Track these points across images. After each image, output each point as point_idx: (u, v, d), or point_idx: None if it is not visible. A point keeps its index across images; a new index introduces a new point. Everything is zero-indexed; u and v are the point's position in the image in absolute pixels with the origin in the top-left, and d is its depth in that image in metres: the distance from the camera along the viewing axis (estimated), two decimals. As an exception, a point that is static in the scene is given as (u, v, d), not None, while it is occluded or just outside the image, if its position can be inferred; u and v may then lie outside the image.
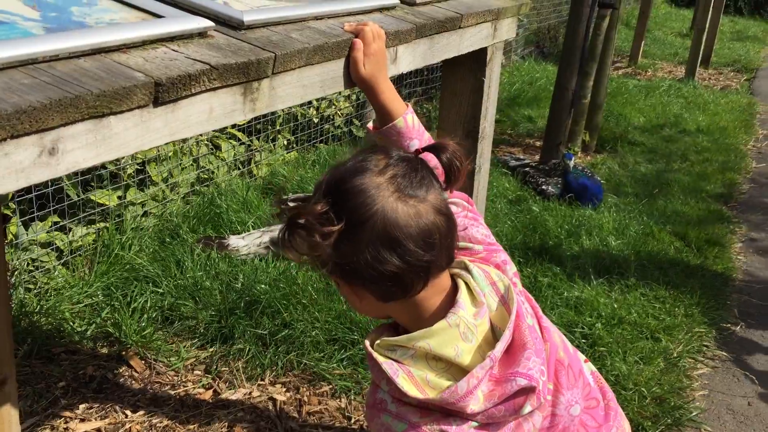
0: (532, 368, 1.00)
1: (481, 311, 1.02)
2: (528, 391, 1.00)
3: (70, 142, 0.76)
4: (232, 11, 1.08)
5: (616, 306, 2.86)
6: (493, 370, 1.00)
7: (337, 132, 4.72)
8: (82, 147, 0.78)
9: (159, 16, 1.00)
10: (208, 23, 1.01)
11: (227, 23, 1.07)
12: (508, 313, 1.03)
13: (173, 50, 0.93)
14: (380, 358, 1.00)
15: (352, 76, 1.24)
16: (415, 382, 0.99)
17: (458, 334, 0.99)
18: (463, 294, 1.03)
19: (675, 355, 2.63)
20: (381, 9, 1.41)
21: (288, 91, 1.08)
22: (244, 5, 1.16)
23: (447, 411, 0.98)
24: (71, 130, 0.76)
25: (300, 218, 0.93)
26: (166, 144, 0.95)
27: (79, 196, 2.89)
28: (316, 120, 4.50)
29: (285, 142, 4.29)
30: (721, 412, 2.42)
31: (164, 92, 0.85)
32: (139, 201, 3.16)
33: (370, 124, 1.30)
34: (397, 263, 0.94)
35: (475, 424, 0.99)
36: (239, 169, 3.90)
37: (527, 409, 1.00)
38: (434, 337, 0.99)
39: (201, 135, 3.48)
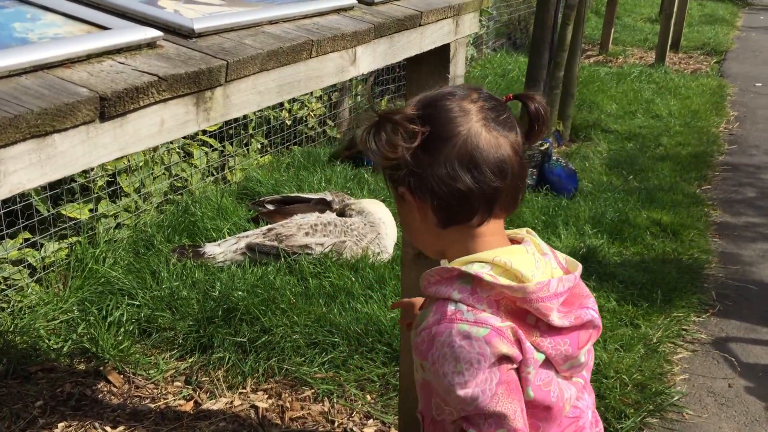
0: (596, 311, 1.05)
1: (547, 257, 1.06)
2: (593, 326, 1.04)
3: (12, 164, 0.74)
4: (182, 19, 1.06)
5: (595, 294, 2.86)
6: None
7: (311, 133, 4.70)
8: (26, 167, 0.76)
9: (106, 29, 0.98)
10: (157, 33, 0.99)
11: (177, 32, 1.05)
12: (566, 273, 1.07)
13: (120, 63, 0.91)
14: (459, 265, 1.00)
15: None
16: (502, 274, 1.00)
17: (533, 261, 1.02)
18: (532, 239, 1.07)
19: (655, 340, 2.64)
20: (338, 10, 1.39)
21: (243, 99, 1.07)
22: (196, 12, 1.14)
23: (525, 324, 0.99)
24: (12, 151, 0.74)
25: (391, 115, 0.98)
26: (125, 156, 0.93)
27: (49, 211, 2.85)
28: (289, 122, 4.48)
29: (259, 146, 4.26)
30: (702, 395, 2.44)
31: (110, 107, 0.83)
32: (111, 213, 3.13)
33: None
34: (469, 183, 0.98)
35: (542, 357, 1.00)
36: (213, 175, 3.87)
37: (582, 358, 1.03)
38: (514, 255, 1.01)
39: (172, 143, 3.45)
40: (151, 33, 0.98)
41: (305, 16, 1.30)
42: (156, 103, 0.90)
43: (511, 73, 6.69)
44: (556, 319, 1.00)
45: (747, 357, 2.66)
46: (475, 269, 0.98)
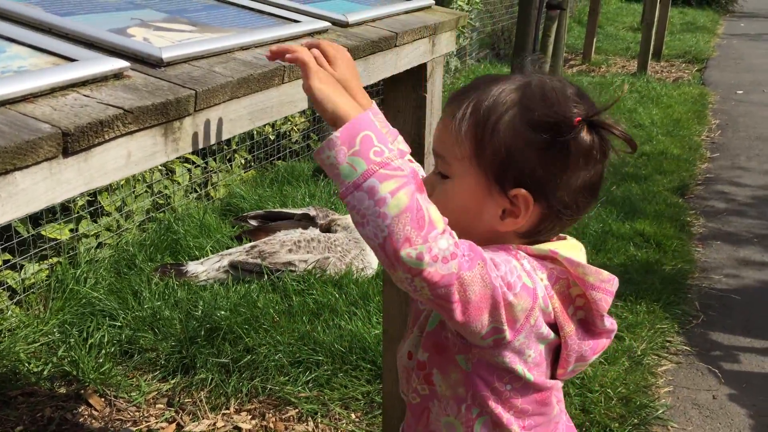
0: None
1: None
2: (610, 336, 1.02)
3: (-30, 204, 0.73)
4: (150, 48, 1.05)
5: (578, 307, 2.87)
6: None
7: (295, 147, 4.69)
8: (-14, 207, 0.74)
9: (72, 60, 0.97)
10: (124, 63, 0.98)
11: (146, 61, 1.04)
12: None
13: (85, 95, 0.90)
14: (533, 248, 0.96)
15: (314, 81, 1.16)
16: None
17: (585, 260, 1.01)
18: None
19: (639, 353, 2.65)
20: (312, 33, 1.39)
21: (213, 128, 1.06)
22: (166, 40, 1.13)
23: (565, 313, 0.96)
24: (-29, 191, 0.73)
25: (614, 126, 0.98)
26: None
27: (29, 232, 2.82)
28: (272, 137, 4.47)
29: (242, 161, 4.25)
30: (686, 407, 2.44)
31: (74, 142, 0.82)
32: (92, 233, 3.10)
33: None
34: (585, 205, 1.00)
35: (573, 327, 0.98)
36: (196, 192, 3.85)
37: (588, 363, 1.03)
38: (574, 250, 1.00)
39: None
40: (118, 64, 0.97)
41: (278, 41, 1.30)
42: (122, 135, 0.89)
43: (495, 83, 6.72)
44: (607, 320, 0.99)
45: (731, 367, 2.67)
46: (533, 248, 0.96)
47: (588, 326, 0.99)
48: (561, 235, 1.05)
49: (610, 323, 1.00)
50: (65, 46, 1.00)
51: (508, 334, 0.91)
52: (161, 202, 3.59)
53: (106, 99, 0.90)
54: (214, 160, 3.99)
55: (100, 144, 0.86)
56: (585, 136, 0.93)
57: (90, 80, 0.93)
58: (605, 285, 0.95)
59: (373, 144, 0.86)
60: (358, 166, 0.85)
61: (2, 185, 0.76)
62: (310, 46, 1.11)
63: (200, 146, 1.04)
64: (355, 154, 0.86)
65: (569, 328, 0.96)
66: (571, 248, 1.00)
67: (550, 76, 1.00)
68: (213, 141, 1.06)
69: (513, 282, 0.90)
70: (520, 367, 0.97)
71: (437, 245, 0.83)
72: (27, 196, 0.79)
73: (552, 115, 0.92)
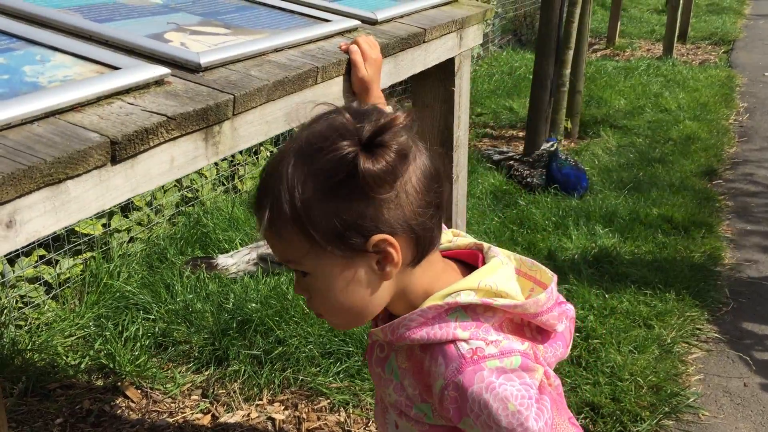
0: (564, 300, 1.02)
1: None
2: (571, 319, 1.01)
3: (27, 213, 0.76)
4: (188, 54, 1.08)
5: (607, 296, 2.87)
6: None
7: (320, 139, 4.71)
8: (41, 215, 0.77)
9: (115, 68, 1.00)
10: (165, 70, 1.00)
11: (185, 67, 1.06)
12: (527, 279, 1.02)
13: (129, 103, 0.92)
14: (440, 300, 0.91)
15: (352, 79, 1.30)
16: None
17: (512, 271, 0.97)
18: (492, 249, 1.00)
19: (669, 341, 2.64)
20: (342, 33, 1.41)
21: (251, 130, 1.08)
22: (202, 44, 1.16)
23: (526, 339, 0.94)
24: (27, 201, 0.76)
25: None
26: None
27: (63, 228, 2.88)
28: (297, 129, 4.49)
29: (268, 154, 4.28)
30: (717, 395, 2.44)
31: (121, 150, 0.84)
32: (124, 227, 3.15)
33: None
34: (436, 200, 0.90)
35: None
36: (224, 185, 3.89)
37: (561, 352, 1.01)
38: (494, 273, 0.94)
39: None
40: (159, 71, 1.00)
41: (310, 41, 1.32)
42: (165, 142, 0.92)
43: (518, 70, 6.68)
44: (560, 326, 0.98)
45: (762, 355, 2.66)
46: (465, 299, 0.91)
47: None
48: (478, 244, 1.02)
49: (567, 319, 1.00)
50: (107, 54, 1.03)
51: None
52: (190, 195, 3.64)
53: (149, 106, 0.93)
54: (240, 153, 4.03)
55: (145, 151, 0.89)
56: (366, 163, 0.83)
57: (133, 88, 0.96)
58: (547, 304, 0.94)
59: None
60: None
61: (56, 194, 0.79)
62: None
63: (239, 149, 1.07)
64: None
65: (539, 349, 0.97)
66: (491, 271, 0.95)
67: (321, 118, 0.91)
68: (251, 143, 1.09)
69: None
70: None
71: None
72: (79, 203, 0.82)
73: (331, 165, 0.84)
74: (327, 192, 0.85)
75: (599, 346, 2.56)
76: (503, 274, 0.95)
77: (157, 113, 0.91)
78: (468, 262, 1.02)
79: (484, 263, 0.98)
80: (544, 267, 1.02)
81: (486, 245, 1.02)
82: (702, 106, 5.74)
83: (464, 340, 0.89)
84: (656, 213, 3.67)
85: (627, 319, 2.74)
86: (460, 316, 0.90)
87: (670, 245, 3.37)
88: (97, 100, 0.91)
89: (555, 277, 1.00)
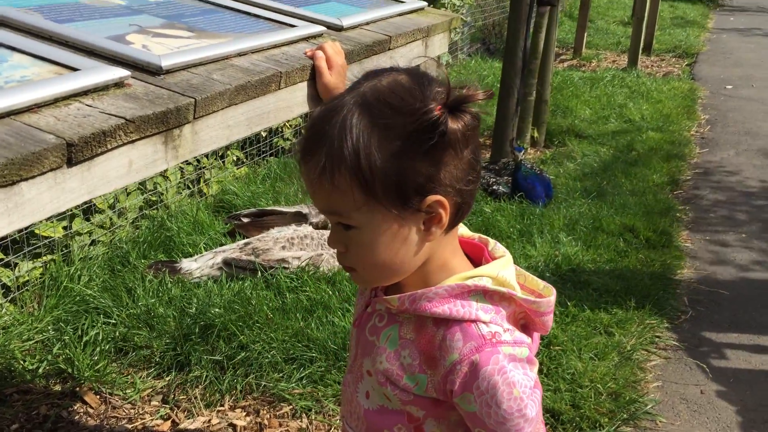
0: None
1: None
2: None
3: (-22, 215, 0.75)
4: (150, 56, 1.07)
5: (569, 303, 2.91)
6: None
7: (287, 144, 4.70)
8: (-7, 217, 0.76)
9: (74, 69, 0.99)
10: (124, 72, 1.00)
11: (146, 69, 1.06)
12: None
13: (87, 105, 0.92)
14: (462, 281, 0.94)
15: (317, 85, 1.29)
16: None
17: (514, 271, 1.01)
18: (498, 245, 1.04)
19: (628, 348, 2.68)
20: (307, 38, 1.41)
21: (212, 134, 1.08)
22: (165, 47, 1.15)
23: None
24: (-21, 203, 0.75)
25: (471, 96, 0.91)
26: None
27: (21, 231, 2.83)
28: (264, 133, 4.47)
29: (234, 158, 4.25)
30: (675, 402, 2.48)
31: (77, 152, 0.84)
32: (85, 230, 3.11)
33: None
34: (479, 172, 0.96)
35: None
36: (189, 188, 3.86)
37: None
38: (508, 267, 0.99)
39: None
40: (119, 73, 0.99)
41: (274, 46, 1.32)
42: (124, 144, 0.91)
43: (486, 78, 6.73)
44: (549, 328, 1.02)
45: (718, 362, 2.71)
46: (489, 285, 0.95)
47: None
48: (483, 237, 1.05)
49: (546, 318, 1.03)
50: (66, 55, 1.02)
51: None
52: (154, 199, 3.60)
53: (108, 109, 0.92)
54: (206, 156, 4.00)
55: (102, 153, 0.88)
56: (453, 124, 0.87)
57: (92, 89, 0.95)
58: (551, 306, 0.99)
59: None
60: None
61: (9, 196, 0.78)
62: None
63: (200, 153, 1.06)
64: None
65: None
66: (506, 266, 0.99)
67: (380, 76, 0.92)
68: (212, 148, 1.08)
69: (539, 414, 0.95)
70: None
71: None
72: (33, 205, 0.81)
73: (409, 118, 0.87)
74: (399, 147, 0.87)
75: (560, 353, 2.58)
76: (510, 268, 1.00)
77: (116, 116, 0.90)
78: (467, 252, 1.04)
79: (489, 257, 1.02)
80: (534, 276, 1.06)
81: (492, 241, 1.05)
82: (665, 118, 5.85)
83: (485, 323, 0.93)
84: (618, 222, 3.73)
85: (588, 326, 2.78)
86: (480, 299, 0.94)
87: (632, 254, 3.42)
88: (55, 101, 0.90)
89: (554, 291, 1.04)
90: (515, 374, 0.91)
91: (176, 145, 1.01)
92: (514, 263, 1.03)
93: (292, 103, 1.27)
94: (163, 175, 3.66)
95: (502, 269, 0.98)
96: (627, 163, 4.76)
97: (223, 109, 1.08)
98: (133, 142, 0.92)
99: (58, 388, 2.44)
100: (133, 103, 0.95)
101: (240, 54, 1.22)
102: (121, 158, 0.91)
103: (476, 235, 1.07)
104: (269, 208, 3.57)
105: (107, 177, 0.90)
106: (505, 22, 8.43)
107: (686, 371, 2.65)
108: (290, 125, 4.71)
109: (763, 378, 2.64)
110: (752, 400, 2.50)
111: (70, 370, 2.47)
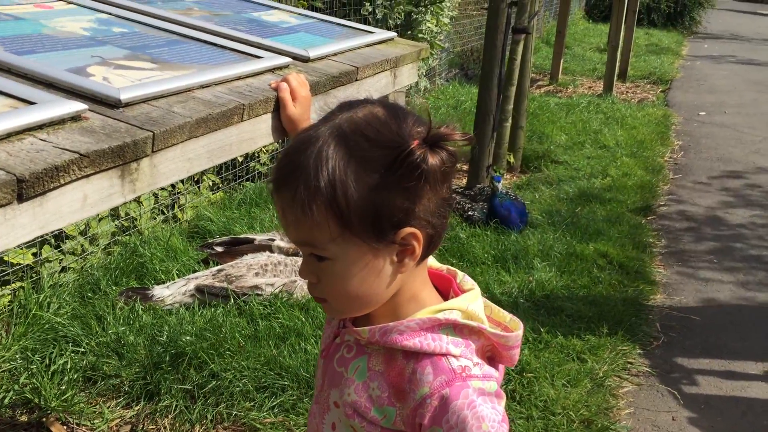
0: None
1: None
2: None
3: (-77, 253, 0.74)
4: (109, 89, 1.07)
5: (542, 329, 2.91)
6: None
7: (263, 169, 4.70)
8: (-62, 255, 0.75)
9: (30, 102, 0.98)
10: (81, 106, 0.99)
11: (104, 102, 1.05)
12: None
13: (41, 140, 0.91)
14: (432, 314, 0.94)
15: (281, 117, 1.30)
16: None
17: (482, 304, 1.01)
18: (466, 278, 1.04)
19: (601, 374, 2.69)
20: (273, 69, 1.41)
21: (171, 167, 1.07)
22: (126, 79, 1.15)
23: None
24: (-76, 240, 0.74)
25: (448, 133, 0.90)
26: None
27: (-9, 257, 2.79)
28: (240, 158, 4.47)
29: (210, 183, 4.24)
30: (647, 429, 2.48)
31: (29, 188, 0.83)
32: (55, 258, 3.07)
33: None
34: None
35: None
36: (163, 214, 3.84)
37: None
38: (477, 301, 0.99)
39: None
40: (76, 106, 0.99)
41: (239, 78, 1.32)
42: (78, 179, 0.90)
43: (464, 104, 6.79)
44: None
45: (690, 389, 2.73)
46: (459, 318, 0.95)
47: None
48: (451, 269, 1.05)
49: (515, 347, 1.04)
50: (23, 88, 1.01)
51: None
52: (127, 224, 3.57)
53: (62, 143, 0.91)
54: (182, 182, 3.98)
55: (55, 188, 0.88)
56: (432, 159, 0.87)
57: (47, 123, 0.95)
58: (519, 340, 0.99)
59: None
60: None
61: (-45, 233, 0.77)
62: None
63: (159, 186, 1.06)
64: None
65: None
66: (475, 299, 1.00)
67: (355, 108, 0.93)
68: (171, 181, 1.08)
69: None
70: None
71: None
72: (-20, 242, 0.80)
73: (387, 151, 0.87)
74: (377, 180, 0.87)
75: (533, 380, 2.58)
76: (478, 302, 1.00)
77: (70, 150, 0.90)
78: (435, 283, 1.05)
79: (458, 289, 1.02)
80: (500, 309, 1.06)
81: (460, 273, 1.05)
82: (639, 144, 5.92)
83: (455, 356, 0.93)
84: (592, 248, 3.76)
85: (561, 352, 2.79)
86: (450, 333, 0.94)
87: (605, 280, 3.44)
88: (8, 136, 0.89)
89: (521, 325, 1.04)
90: (484, 408, 0.91)
91: (134, 179, 1.00)
92: (489, 290, 1.04)
93: (255, 135, 1.27)
94: (137, 200, 3.64)
95: (472, 302, 0.98)
96: (601, 189, 4.81)
97: (182, 142, 1.08)
98: (87, 176, 0.92)
99: (24, 418, 2.40)
100: (88, 137, 0.95)
101: (203, 86, 1.23)
102: (75, 193, 0.91)
103: (444, 267, 1.07)
104: (242, 235, 3.55)
105: (60, 212, 0.89)
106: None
107: (658, 398, 2.66)
108: (266, 150, 4.71)
109: (734, 404, 2.65)
110: (723, 427, 2.51)
111: (36, 400, 2.43)
